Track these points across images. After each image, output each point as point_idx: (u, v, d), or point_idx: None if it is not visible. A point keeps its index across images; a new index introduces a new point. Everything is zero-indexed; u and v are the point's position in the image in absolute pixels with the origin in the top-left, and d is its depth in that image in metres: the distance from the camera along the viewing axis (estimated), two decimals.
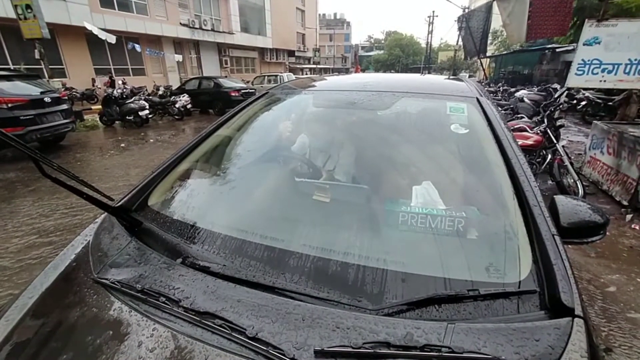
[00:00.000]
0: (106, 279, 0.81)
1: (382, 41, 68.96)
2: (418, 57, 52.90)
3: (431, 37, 39.07)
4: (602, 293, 2.26)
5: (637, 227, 3.13)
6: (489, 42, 9.65)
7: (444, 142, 1.30)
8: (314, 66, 35.62)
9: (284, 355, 0.60)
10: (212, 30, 19.98)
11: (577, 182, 3.54)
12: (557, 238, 0.78)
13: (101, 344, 0.67)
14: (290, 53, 32.87)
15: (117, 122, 9.55)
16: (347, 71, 45.24)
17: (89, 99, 13.64)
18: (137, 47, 14.00)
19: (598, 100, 8.96)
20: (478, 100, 1.33)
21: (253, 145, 1.51)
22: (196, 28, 18.74)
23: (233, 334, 0.65)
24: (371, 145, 1.41)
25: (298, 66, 34.55)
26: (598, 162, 4.22)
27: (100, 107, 9.79)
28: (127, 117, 9.10)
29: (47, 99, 6.08)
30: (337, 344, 0.62)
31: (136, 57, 16.56)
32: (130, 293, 0.77)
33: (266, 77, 16.50)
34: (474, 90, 1.48)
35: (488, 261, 0.82)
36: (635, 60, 4.32)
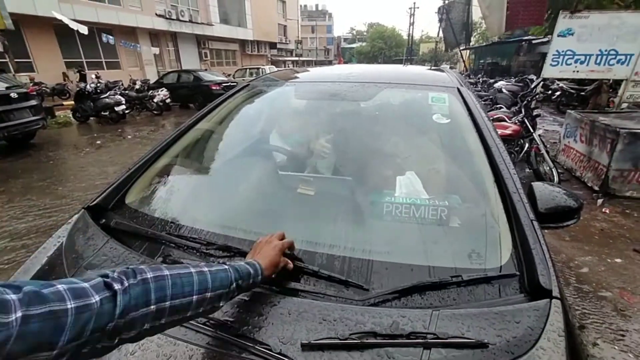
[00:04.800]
0: None
1: (365, 33, 68.86)
2: (400, 49, 53.21)
3: (413, 28, 39.26)
4: (576, 274, 2.38)
5: (607, 211, 3.30)
6: None
7: (426, 132, 1.31)
8: (297, 59, 35.18)
9: (270, 350, 0.59)
10: (190, 21, 19.32)
11: (553, 169, 3.68)
12: (536, 223, 0.81)
13: None
14: (272, 45, 32.29)
15: (91, 118, 9.13)
16: (329, 63, 44.98)
17: (60, 94, 12.94)
18: (111, 40, 13.32)
19: (571, 91, 9.28)
20: (459, 90, 1.35)
21: (234, 139, 1.47)
22: (173, 19, 18.06)
23: (217, 331, 0.63)
24: (354, 137, 1.40)
25: (280, 59, 34.01)
26: (572, 150, 4.40)
27: (72, 102, 9.32)
28: (102, 113, 8.71)
29: (13, 95, 5.71)
30: (323, 336, 0.62)
31: (110, 50, 15.81)
32: None
33: (248, 70, 16.15)
34: (455, 80, 1.49)
35: (470, 248, 0.83)
36: (606, 51, 4.49)
